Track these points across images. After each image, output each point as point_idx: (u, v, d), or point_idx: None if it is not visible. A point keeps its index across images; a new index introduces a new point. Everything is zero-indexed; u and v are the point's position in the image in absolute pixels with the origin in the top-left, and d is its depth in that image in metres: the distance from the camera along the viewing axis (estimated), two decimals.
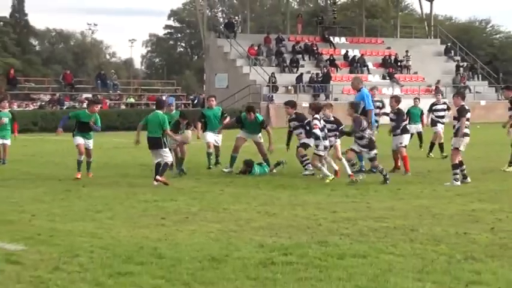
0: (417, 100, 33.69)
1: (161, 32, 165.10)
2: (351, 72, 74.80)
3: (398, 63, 78.47)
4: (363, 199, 18.87)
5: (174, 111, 25.14)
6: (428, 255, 12.14)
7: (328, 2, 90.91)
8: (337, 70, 73.91)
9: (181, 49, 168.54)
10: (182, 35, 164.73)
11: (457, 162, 21.42)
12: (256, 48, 73.21)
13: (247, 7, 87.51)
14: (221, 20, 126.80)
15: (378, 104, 28.53)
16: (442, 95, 35.37)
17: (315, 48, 76.78)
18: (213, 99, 27.44)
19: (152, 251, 12.43)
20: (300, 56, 75.18)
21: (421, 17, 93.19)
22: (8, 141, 27.84)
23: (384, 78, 75.41)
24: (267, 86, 68.03)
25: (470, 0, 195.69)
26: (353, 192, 20.17)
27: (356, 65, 76.18)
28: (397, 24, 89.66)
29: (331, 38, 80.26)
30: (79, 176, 23.40)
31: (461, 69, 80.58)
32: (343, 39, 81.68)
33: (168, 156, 22.09)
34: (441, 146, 30.82)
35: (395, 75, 75.81)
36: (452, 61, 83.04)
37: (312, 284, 10.34)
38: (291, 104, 24.41)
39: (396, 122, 24.72)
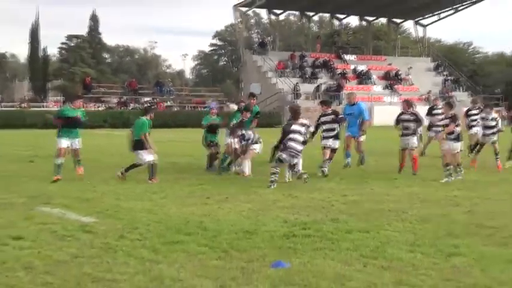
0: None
1: (207, 49, 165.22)
2: (359, 83, 74.74)
3: (398, 77, 78.13)
4: (367, 186, 18.85)
5: (215, 115, 23.34)
6: (417, 232, 12.14)
7: (342, 26, 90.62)
8: (347, 81, 73.67)
9: (224, 62, 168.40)
10: (224, 51, 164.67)
11: (448, 162, 20.39)
12: (283, 63, 73.21)
13: (277, 29, 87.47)
14: (256, 39, 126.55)
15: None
16: (439, 100, 32.91)
17: (330, 63, 76.62)
18: (254, 99, 25.15)
19: (198, 224, 12.49)
20: (319, 69, 75.05)
21: (416, 39, 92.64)
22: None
23: (385, 88, 75.19)
24: (292, 93, 67.99)
25: (456, 26, 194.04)
26: (357, 180, 20.13)
27: (363, 77, 75.98)
28: (396, 45, 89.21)
29: (344, 56, 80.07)
30: (58, 178, 19.09)
31: (447, 82, 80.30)
32: (353, 57, 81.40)
33: (142, 159, 19.60)
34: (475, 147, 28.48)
35: (395, 86, 75.55)
36: (440, 75, 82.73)
37: (326, 253, 10.36)
38: (326, 103, 22.95)
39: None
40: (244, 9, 78.09)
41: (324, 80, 72.88)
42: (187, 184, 18.69)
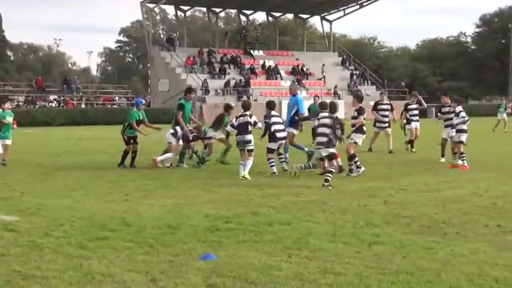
0: (317, 98, 32.56)
1: (113, 46, 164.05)
2: (267, 78, 75.25)
3: (304, 72, 78.95)
4: (282, 179, 19.12)
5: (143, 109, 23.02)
6: (337, 222, 12.45)
7: (249, 22, 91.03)
8: (256, 77, 74.20)
9: (129, 59, 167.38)
10: (130, 48, 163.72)
11: (352, 154, 20.23)
12: (191, 59, 73.18)
13: (184, 26, 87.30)
14: (163, 36, 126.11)
15: (387, 106, 28.98)
16: (385, 95, 31.50)
17: (238, 59, 76.93)
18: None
19: (121, 220, 12.54)
20: (227, 65, 75.29)
21: (322, 34, 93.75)
22: (10, 141, 23.47)
23: (293, 83, 75.76)
24: (201, 89, 68.04)
25: (361, 21, 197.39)
26: (276, 174, 20.41)
27: (271, 73, 76.51)
28: (303, 40, 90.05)
29: (252, 51, 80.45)
30: None
31: (354, 76, 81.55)
32: (261, 52, 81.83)
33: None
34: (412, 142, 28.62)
35: (303, 81, 76.31)
36: (347, 70, 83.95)
37: (250, 245, 10.56)
38: (358, 98, 22.27)
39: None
40: (151, 5, 77.71)
41: (232, 75, 73.17)
42: (107, 181, 18.69)
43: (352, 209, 13.95)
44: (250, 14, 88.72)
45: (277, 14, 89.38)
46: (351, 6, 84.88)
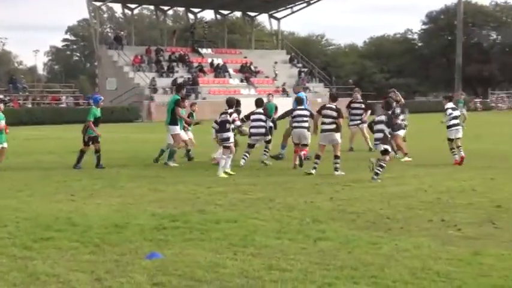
0: (271, 96, 32.51)
1: (60, 44, 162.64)
2: (215, 76, 75.19)
3: (252, 69, 79.04)
4: (230, 177, 19.18)
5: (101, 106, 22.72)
6: (284, 219, 12.56)
7: (197, 20, 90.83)
8: (204, 75, 74.08)
9: (77, 58, 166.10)
10: (77, 47, 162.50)
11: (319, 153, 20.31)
12: (139, 57, 72.82)
13: (131, 24, 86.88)
14: (110, 34, 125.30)
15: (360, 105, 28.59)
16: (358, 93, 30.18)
17: (186, 57, 76.77)
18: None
19: (67, 220, 12.48)
20: (175, 63, 75.08)
21: (270, 32, 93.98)
22: (5, 144, 21.64)
23: (241, 81, 75.95)
24: (149, 88, 67.89)
25: (309, 19, 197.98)
26: (242, 167, 20.53)
27: (219, 71, 76.46)
28: (252, 38, 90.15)
29: (200, 49, 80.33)
30: None
31: (302, 74, 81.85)
32: (209, 50, 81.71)
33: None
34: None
35: (251, 79, 76.45)
36: (295, 67, 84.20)
37: (196, 243, 10.60)
38: (332, 97, 21.34)
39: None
40: (98, 3, 77.17)
41: (180, 74, 72.96)
42: (54, 181, 18.56)
43: (299, 206, 14.06)
44: (198, 12, 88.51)
45: (225, 12, 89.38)
46: (299, 4, 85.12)
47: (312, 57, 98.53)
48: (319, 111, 20.58)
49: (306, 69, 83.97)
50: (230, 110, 20.90)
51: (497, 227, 11.76)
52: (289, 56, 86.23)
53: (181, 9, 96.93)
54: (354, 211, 13.40)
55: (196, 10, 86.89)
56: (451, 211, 13.36)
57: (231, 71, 77.02)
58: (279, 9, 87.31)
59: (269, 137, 22.80)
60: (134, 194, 15.94)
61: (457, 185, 17.10)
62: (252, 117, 22.72)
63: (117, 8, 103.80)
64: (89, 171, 20.83)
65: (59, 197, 15.63)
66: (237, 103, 21.99)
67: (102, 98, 24.11)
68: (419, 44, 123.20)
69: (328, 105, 20.49)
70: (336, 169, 19.91)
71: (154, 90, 68.17)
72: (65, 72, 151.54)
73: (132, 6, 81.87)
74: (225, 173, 19.62)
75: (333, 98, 21.13)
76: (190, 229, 11.64)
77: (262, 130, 22.51)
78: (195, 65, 75.79)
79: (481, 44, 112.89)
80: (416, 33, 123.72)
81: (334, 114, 20.20)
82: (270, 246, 10.35)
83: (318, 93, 76.41)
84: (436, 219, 12.49)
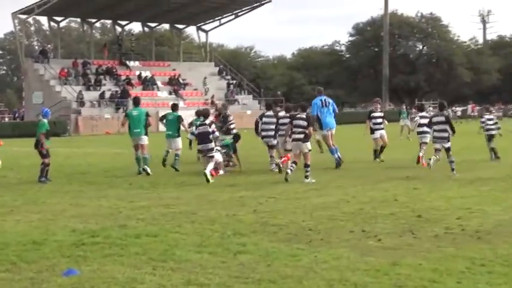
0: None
1: None
2: (143, 89, 74.80)
3: (182, 82, 78.81)
4: (155, 191, 19.08)
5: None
6: (205, 233, 12.49)
7: (124, 32, 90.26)
8: (132, 88, 73.61)
9: (3, 72, 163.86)
10: (3, 60, 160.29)
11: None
12: (66, 70, 72.08)
13: (58, 37, 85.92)
14: (36, 47, 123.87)
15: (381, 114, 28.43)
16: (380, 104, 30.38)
17: (114, 70, 76.28)
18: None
19: None
20: (102, 76, 74.53)
21: (199, 44, 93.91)
22: None
23: (170, 94, 75.69)
24: (76, 101, 67.31)
25: (238, 31, 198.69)
26: (147, 185, 20.35)
27: (148, 83, 76.12)
28: (180, 51, 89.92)
29: (128, 62, 79.89)
30: None
31: (231, 86, 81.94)
32: (137, 63, 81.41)
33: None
34: (382, 150, 27.70)
35: (180, 92, 76.26)
36: (224, 79, 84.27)
37: (115, 259, 10.47)
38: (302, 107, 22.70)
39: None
40: (23, 16, 76.29)
41: (108, 86, 72.46)
42: None
43: (221, 219, 14.01)
44: (126, 25, 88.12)
45: (152, 25, 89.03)
46: (227, 16, 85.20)
47: (241, 69, 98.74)
48: (290, 122, 21.66)
49: (234, 82, 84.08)
50: (208, 121, 22.17)
51: (416, 237, 11.85)
52: (217, 68, 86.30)
53: (108, 21, 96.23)
54: (277, 223, 13.39)
55: (123, 23, 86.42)
56: (372, 222, 13.44)
57: (159, 83, 76.77)
58: (207, 22, 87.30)
59: (275, 142, 24.44)
60: (55, 210, 15.72)
61: (380, 195, 17.23)
62: (264, 119, 24.86)
63: (44, 21, 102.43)
64: (12, 187, 20.53)
65: None
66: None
67: (49, 113, 23.95)
68: (347, 56, 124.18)
69: (299, 115, 21.37)
70: (306, 177, 20.49)
71: (81, 103, 67.57)
72: None
73: (59, 19, 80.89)
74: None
75: (303, 108, 22.17)
76: (110, 244, 11.50)
77: (272, 133, 24.41)
78: (123, 77, 75.33)
79: (407, 55, 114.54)
80: (343, 44, 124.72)
81: (304, 124, 21.06)
82: (189, 261, 10.28)
83: (246, 105, 76.59)
84: (357, 230, 12.55)
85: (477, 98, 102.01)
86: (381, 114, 28.45)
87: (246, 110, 73.80)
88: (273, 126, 24.42)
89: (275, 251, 10.80)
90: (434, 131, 22.38)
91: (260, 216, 14.29)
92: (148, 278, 9.26)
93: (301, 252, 10.75)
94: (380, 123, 27.92)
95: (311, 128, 21.27)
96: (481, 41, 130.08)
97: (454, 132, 22.08)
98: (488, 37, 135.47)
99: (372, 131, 27.79)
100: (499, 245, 11.08)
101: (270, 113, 25.07)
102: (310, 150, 21.17)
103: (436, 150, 22.13)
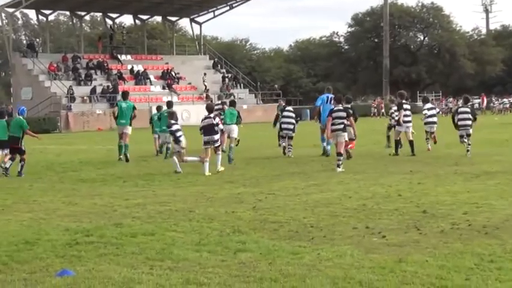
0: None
1: None
2: (136, 84, 74.75)
3: (172, 75, 78.64)
4: (150, 188, 19.07)
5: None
6: (204, 231, 12.46)
7: (115, 25, 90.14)
8: (124, 82, 73.51)
9: None
10: None
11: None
12: (55, 65, 71.96)
13: (46, 31, 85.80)
14: (24, 41, 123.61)
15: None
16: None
17: (105, 64, 76.17)
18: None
19: None
20: (93, 71, 74.42)
21: (192, 37, 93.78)
22: None
23: (163, 88, 75.63)
24: (66, 97, 67.20)
25: (233, 23, 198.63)
26: (142, 182, 20.33)
27: (140, 77, 76.05)
28: (173, 44, 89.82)
29: (119, 56, 79.78)
30: None
31: (226, 79, 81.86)
32: (128, 57, 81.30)
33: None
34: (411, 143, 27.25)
35: (173, 86, 76.20)
36: (219, 73, 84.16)
37: (111, 259, 10.44)
38: (402, 96, 28.17)
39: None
40: (10, 10, 76.16)
41: (99, 81, 72.36)
42: None
43: (220, 216, 13.98)
44: (117, 18, 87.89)
45: (144, 17, 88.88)
46: (221, 8, 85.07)
47: (236, 62, 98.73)
48: (330, 114, 23.57)
49: (230, 75, 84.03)
50: (212, 115, 23.14)
51: (422, 233, 11.84)
52: (212, 62, 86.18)
53: (98, 14, 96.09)
54: (277, 220, 13.37)
55: (114, 15, 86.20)
56: (376, 218, 13.43)
57: (152, 77, 76.63)
58: (201, 14, 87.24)
59: (294, 134, 28.11)
60: (47, 209, 15.69)
61: (383, 190, 17.23)
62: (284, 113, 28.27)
63: (32, 14, 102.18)
64: (1, 185, 20.47)
65: None
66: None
67: (25, 111, 25.62)
68: (346, 47, 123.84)
69: (338, 108, 23.41)
70: (338, 166, 22.20)
71: (72, 99, 67.46)
72: None
73: (47, 12, 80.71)
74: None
75: (348, 100, 26.68)
76: (105, 244, 11.48)
77: (291, 126, 27.85)
78: (114, 72, 75.22)
79: (408, 46, 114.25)
80: (342, 36, 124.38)
81: (343, 115, 23.18)
82: (188, 259, 10.26)
83: (242, 99, 76.50)
84: (361, 227, 12.54)
85: (481, 90, 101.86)
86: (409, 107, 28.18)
87: (242, 104, 73.75)
88: (293, 120, 28.00)
89: (276, 249, 10.77)
90: (459, 119, 26.53)
91: (259, 213, 14.27)
92: (146, 278, 9.24)
93: (303, 249, 10.73)
94: (409, 119, 27.51)
95: (351, 118, 23.68)
96: (484, 31, 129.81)
97: (475, 120, 27.03)
98: (492, 27, 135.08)
99: (399, 123, 27.46)
100: (507, 240, 11.07)
101: (290, 108, 28.89)
102: (347, 140, 23.86)
103: (461, 136, 26.56)
